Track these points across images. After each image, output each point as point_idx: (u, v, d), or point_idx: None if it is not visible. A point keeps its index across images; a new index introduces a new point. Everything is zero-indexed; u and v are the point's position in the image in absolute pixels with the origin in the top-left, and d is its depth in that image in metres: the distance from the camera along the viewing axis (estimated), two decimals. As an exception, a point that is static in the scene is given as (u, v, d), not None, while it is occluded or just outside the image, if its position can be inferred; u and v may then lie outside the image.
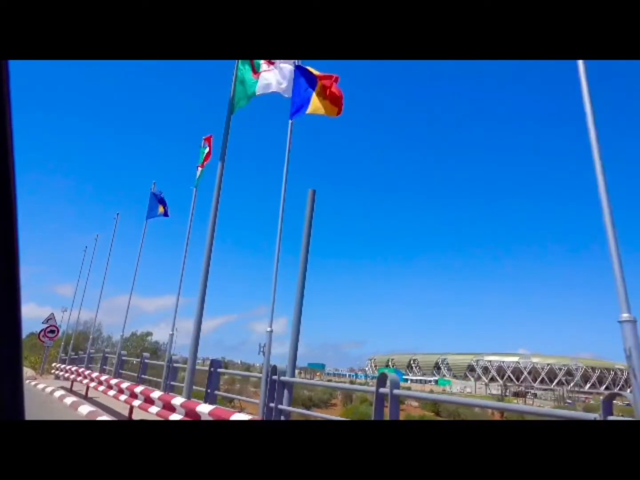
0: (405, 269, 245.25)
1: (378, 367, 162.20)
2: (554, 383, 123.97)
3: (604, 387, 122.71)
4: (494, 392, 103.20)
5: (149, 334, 46.00)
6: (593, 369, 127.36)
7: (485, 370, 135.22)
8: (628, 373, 3.72)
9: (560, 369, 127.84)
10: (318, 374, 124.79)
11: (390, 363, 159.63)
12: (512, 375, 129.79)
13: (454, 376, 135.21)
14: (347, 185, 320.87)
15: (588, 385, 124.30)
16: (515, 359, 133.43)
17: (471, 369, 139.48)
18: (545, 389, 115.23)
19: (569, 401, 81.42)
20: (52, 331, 25.05)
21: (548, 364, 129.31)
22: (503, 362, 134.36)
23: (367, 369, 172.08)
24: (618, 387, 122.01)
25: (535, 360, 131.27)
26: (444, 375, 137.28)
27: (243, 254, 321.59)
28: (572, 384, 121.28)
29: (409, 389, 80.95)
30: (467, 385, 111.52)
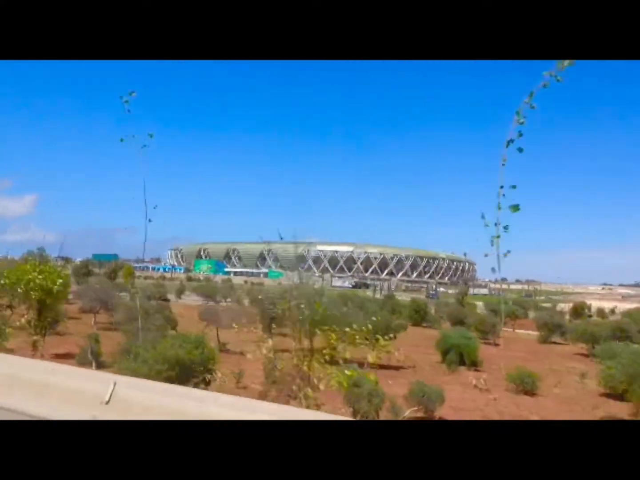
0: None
1: (186, 258, 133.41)
2: (385, 273, 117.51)
3: (428, 275, 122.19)
4: (339, 284, 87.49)
5: None
6: (421, 258, 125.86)
7: (317, 260, 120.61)
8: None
9: (391, 259, 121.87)
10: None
11: (202, 254, 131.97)
12: (344, 266, 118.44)
13: (281, 267, 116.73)
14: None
15: (415, 274, 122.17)
16: (350, 248, 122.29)
17: (301, 259, 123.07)
18: (378, 279, 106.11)
19: (433, 292, 68.50)
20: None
21: (381, 254, 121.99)
22: (337, 252, 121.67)
23: (168, 260, 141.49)
24: (439, 275, 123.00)
25: (369, 250, 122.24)
26: (270, 267, 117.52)
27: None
28: (401, 274, 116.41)
29: (254, 284, 56.53)
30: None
